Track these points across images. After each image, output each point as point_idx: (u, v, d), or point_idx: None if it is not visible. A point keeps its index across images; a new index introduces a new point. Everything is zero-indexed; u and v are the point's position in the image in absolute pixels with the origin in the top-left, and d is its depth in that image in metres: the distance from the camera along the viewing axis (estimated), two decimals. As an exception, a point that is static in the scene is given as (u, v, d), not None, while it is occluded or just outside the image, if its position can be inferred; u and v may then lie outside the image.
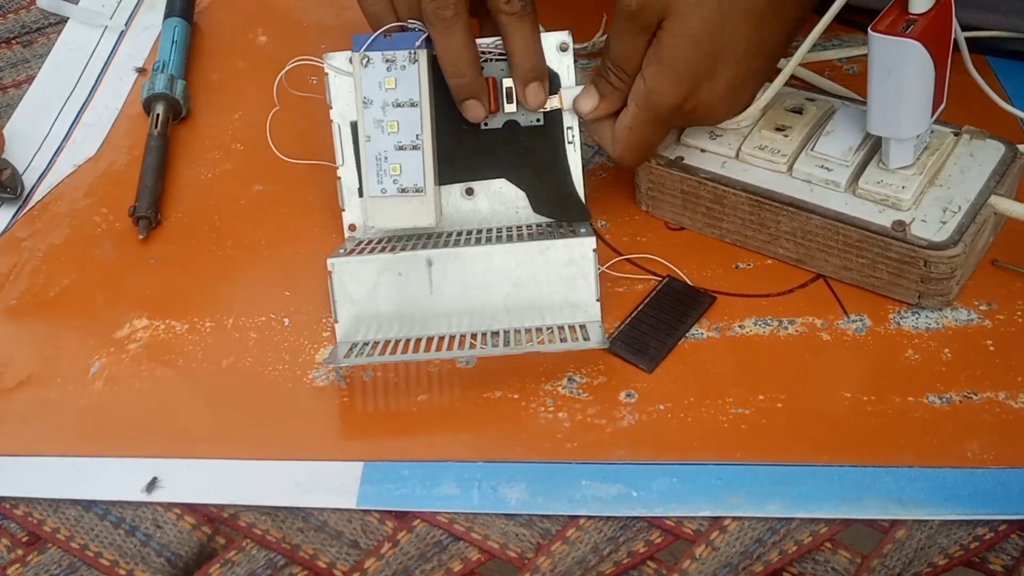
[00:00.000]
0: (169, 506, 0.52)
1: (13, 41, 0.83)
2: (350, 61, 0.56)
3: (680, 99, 0.53)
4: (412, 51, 0.55)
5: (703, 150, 0.59)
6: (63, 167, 0.71)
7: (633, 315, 0.57)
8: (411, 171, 0.56)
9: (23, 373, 0.58)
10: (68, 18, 0.84)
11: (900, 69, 0.50)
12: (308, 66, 0.58)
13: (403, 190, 0.56)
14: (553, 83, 0.57)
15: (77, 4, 0.85)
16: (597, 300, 0.55)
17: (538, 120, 0.58)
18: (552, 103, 0.57)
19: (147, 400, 0.56)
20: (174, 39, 0.77)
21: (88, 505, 0.52)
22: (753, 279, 0.58)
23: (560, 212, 0.58)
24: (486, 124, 0.58)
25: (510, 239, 0.56)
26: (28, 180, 0.70)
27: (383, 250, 0.56)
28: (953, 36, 0.52)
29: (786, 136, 0.57)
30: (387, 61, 0.55)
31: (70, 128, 0.74)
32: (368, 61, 0.55)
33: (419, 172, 0.56)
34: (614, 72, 0.55)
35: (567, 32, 0.57)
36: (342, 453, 0.53)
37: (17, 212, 0.68)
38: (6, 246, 0.66)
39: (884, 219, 0.54)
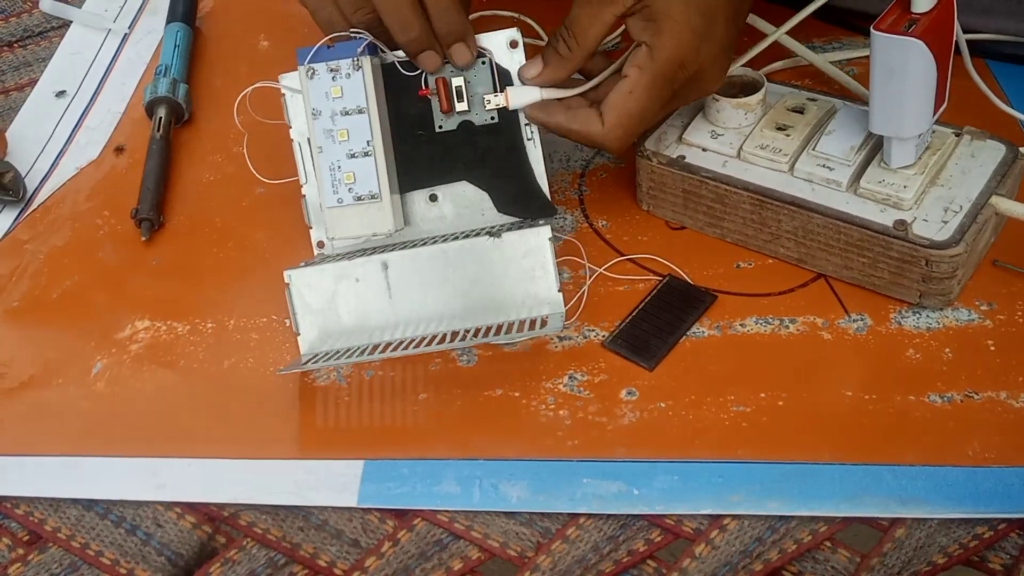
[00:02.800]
0: (170, 505, 0.52)
1: (15, 44, 0.83)
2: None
3: (683, 53, 0.52)
4: (355, 58, 0.54)
5: (704, 149, 0.59)
6: (66, 170, 0.72)
7: (634, 314, 0.57)
8: (365, 178, 0.55)
9: (25, 374, 0.58)
10: (71, 22, 0.84)
11: (903, 68, 0.50)
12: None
13: (359, 198, 0.55)
14: (504, 81, 0.57)
15: (80, 8, 0.85)
16: (559, 291, 0.54)
17: (493, 119, 0.57)
18: (498, 101, 0.56)
19: (148, 400, 0.56)
20: (176, 43, 0.77)
21: (89, 504, 0.52)
22: (754, 278, 0.58)
23: (524, 209, 0.57)
24: (440, 127, 0.57)
25: (467, 238, 0.55)
26: (31, 183, 0.71)
27: (342, 260, 0.55)
28: (954, 38, 0.52)
29: (787, 135, 0.57)
30: (332, 71, 0.55)
31: (73, 131, 0.75)
32: (313, 73, 0.55)
33: (373, 178, 0.55)
34: (565, 39, 0.54)
35: (516, 29, 0.56)
36: (342, 452, 0.53)
37: (19, 215, 0.69)
38: (8, 248, 0.66)
39: (886, 218, 0.54)
